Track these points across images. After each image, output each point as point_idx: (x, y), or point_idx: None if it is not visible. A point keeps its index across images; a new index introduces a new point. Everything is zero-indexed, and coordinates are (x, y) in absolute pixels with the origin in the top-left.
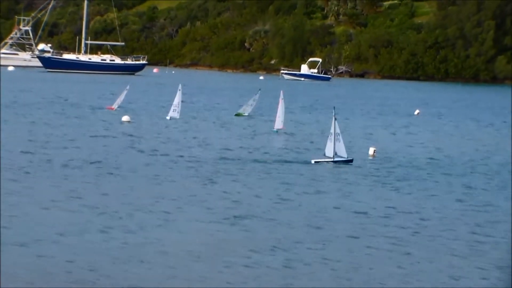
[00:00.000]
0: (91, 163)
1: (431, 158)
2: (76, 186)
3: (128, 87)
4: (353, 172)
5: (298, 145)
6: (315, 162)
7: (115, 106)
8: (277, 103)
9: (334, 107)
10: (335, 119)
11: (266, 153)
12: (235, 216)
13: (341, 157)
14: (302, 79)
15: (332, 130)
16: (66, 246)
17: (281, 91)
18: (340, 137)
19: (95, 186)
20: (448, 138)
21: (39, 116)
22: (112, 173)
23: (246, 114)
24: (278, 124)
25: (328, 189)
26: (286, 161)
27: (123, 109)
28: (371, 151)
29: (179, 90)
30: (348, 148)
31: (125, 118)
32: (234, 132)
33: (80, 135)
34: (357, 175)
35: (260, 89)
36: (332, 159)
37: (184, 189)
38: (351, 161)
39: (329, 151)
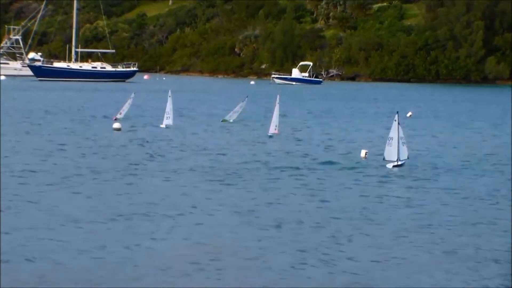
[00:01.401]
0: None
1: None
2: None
3: (133, 95)
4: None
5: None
6: (393, 166)
7: (118, 115)
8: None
9: (397, 112)
10: (398, 123)
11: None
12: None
13: (402, 160)
14: (294, 83)
15: (391, 135)
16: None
17: (278, 96)
18: (402, 141)
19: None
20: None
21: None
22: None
23: (231, 120)
24: (272, 128)
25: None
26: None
27: (128, 117)
28: (362, 153)
29: (169, 96)
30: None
31: (116, 125)
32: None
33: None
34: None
35: (247, 96)
36: (397, 163)
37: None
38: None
39: (389, 155)
